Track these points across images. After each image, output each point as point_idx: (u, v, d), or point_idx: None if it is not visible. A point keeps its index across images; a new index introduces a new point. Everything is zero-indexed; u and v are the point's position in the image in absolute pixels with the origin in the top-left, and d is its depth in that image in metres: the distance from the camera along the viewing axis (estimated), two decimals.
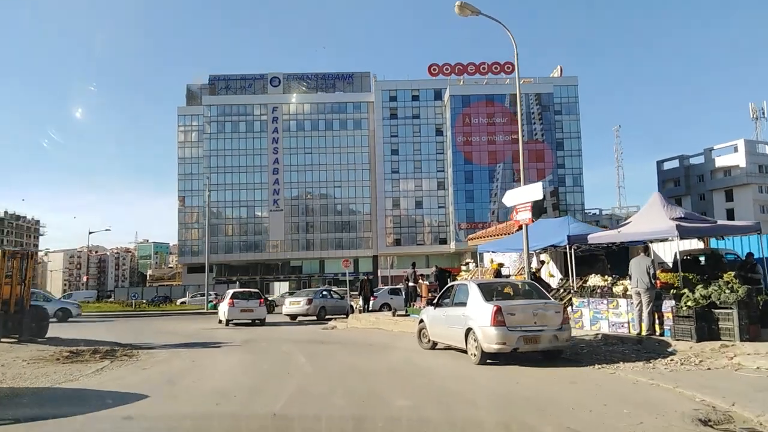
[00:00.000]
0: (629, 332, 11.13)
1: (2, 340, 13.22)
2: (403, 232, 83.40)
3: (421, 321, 11.75)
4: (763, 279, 11.96)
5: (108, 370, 9.39)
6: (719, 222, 12.22)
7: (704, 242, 13.73)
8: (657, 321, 10.62)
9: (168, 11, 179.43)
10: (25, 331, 13.63)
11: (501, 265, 17.56)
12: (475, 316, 9.31)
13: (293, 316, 24.87)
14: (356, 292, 25.77)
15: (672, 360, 8.69)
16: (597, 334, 11.63)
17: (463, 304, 9.93)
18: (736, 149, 74.54)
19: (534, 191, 12.50)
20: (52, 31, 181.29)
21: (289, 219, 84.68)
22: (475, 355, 9.20)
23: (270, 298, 38.11)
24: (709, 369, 7.93)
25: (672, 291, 10.59)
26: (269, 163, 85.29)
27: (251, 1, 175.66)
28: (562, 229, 14.52)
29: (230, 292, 22.88)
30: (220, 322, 22.01)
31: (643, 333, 10.63)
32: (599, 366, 8.63)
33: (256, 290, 26.37)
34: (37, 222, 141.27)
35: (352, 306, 25.94)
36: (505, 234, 19.91)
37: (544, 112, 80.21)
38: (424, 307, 14.73)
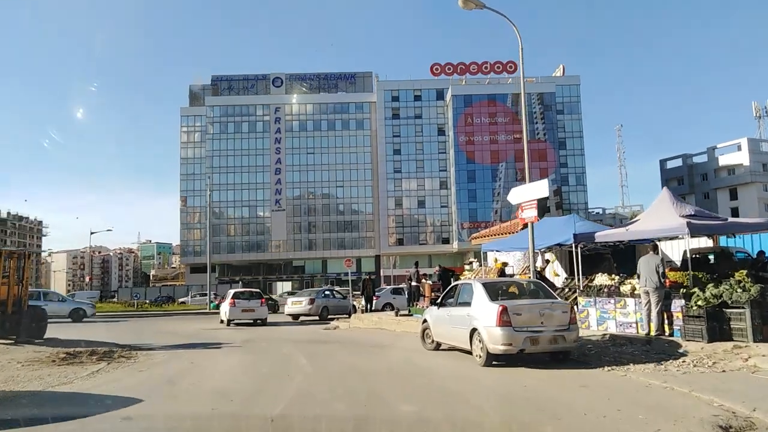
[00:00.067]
0: (637, 332, 10.87)
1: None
2: (406, 232, 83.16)
3: (425, 321, 11.50)
4: None
5: (104, 373, 9.17)
6: (730, 219, 11.94)
7: (713, 240, 13.46)
8: (666, 321, 10.38)
9: (168, 11, 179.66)
10: (23, 332, 13.43)
11: (505, 264, 17.30)
12: (480, 316, 9.07)
13: (295, 316, 24.66)
14: (359, 292, 25.56)
15: (684, 361, 8.42)
16: (604, 334, 11.38)
17: (468, 303, 9.68)
18: (739, 148, 74.13)
19: (540, 188, 12.23)
20: (52, 31, 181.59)
21: (292, 219, 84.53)
22: (480, 356, 8.95)
23: (274, 298, 37.98)
24: (723, 371, 7.65)
25: (681, 290, 10.33)
26: (272, 163, 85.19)
27: (252, 1, 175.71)
28: (567, 228, 14.25)
29: (231, 292, 22.68)
30: (222, 322, 21.83)
31: (652, 333, 10.38)
32: (609, 368, 8.36)
33: (258, 290, 26.18)
34: (40, 222, 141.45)
35: (354, 306, 25.73)
36: (509, 233, 19.64)
37: (547, 112, 79.96)
38: (427, 306, 14.49)
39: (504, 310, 8.63)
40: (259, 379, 8.57)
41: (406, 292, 22.57)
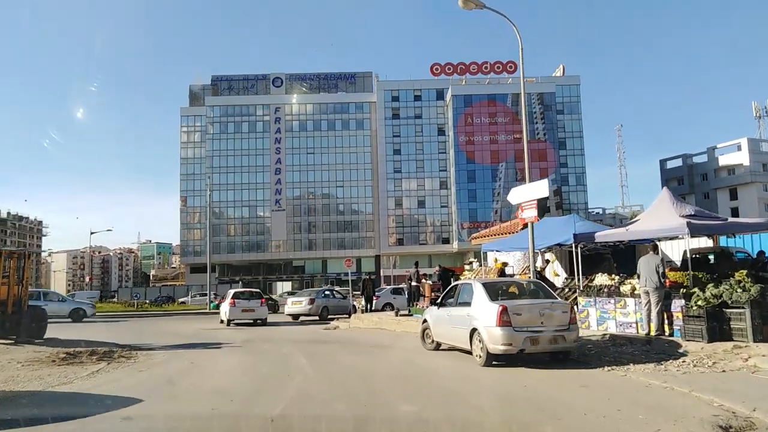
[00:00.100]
0: (637, 332, 10.87)
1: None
2: (406, 232, 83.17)
3: (425, 321, 11.50)
4: None
5: (104, 373, 9.16)
6: (730, 219, 11.94)
7: (713, 240, 13.46)
8: (666, 321, 10.38)
9: (168, 11, 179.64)
10: (23, 332, 13.42)
11: (505, 264, 17.30)
12: (480, 316, 9.06)
13: (295, 316, 24.65)
14: (359, 292, 25.56)
15: (684, 361, 8.42)
16: (604, 334, 11.38)
17: (468, 303, 9.67)
18: (739, 148, 74.13)
19: (540, 188, 12.23)
20: (52, 31, 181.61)
21: (292, 219, 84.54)
22: (480, 356, 8.95)
23: (274, 298, 37.98)
24: (723, 371, 7.65)
25: (681, 290, 10.33)
26: (272, 163, 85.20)
27: (252, 1, 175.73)
28: (567, 228, 14.25)
29: (231, 292, 22.68)
30: (222, 322, 21.82)
31: (652, 333, 10.38)
32: (609, 368, 8.36)
33: (258, 290, 26.17)
34: (40, 223, 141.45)
35: (354, 306, 25.72)
36: (509, 233, 19.64)
37: (547, 112, 79.98)
38: (427, 306, 14.49)
39: (504, 310, 8.63)
40: (259, 379, 8.56)
41: (406, 292, 22.57)
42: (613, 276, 12.34)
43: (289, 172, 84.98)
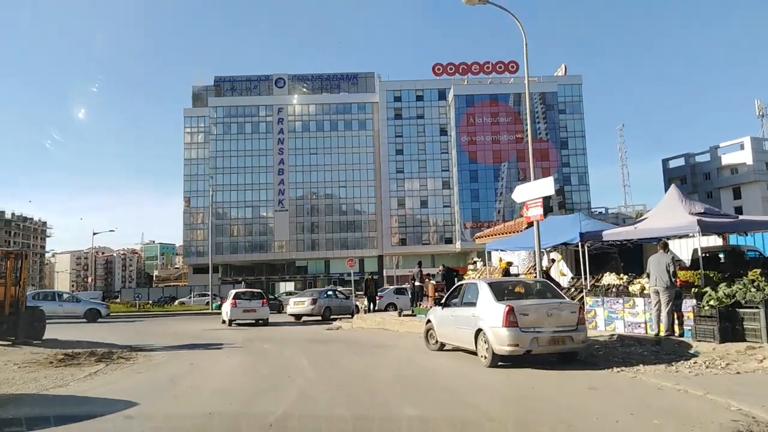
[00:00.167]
0: (646, 333, 10.64)
1: None
2: (409, 232, 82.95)
3: (429, 321, 11.28)
4: None
5: (101, 375, 8.96)
6: (741, 217, 11.68)
7: (723, 239, 13.21)
8: (676, 321, 10.13)
9: (169, 11, 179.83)
10: (21, 333, 13.21)
11: (510, 263, 17.09)
12: (486, 316, 8.84)
13: (298, 317, 24.47)
14: (361, 292, 25.37)
15: (696, 362, 8.18)
16: (612, 334, 11.15)
17: (473, 304, 9.45)
18: (742, 147, 73.70)
19: (545, 186, 12.00)
20: (52, 31, 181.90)
21: (294, 219, 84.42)
22: (485, 357, 8.73)
23: (279, 298, 37.83)
24: (738, 373, 7.41)
25: (693, 290, 10.09)
26: (274, 164, 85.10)
27: (254, 2, 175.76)
28: (573, 227, 14.02)
29: (233, 292, 22.50)
30: (224, 322, 21.64)
31: (662, 334, 10.14)
32: (618, 369, 8.13)
33: (259, 290, 25.99)
34: (44, 223, 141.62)
35: (357, 306, 25.52)
36: (513, 232, 19.41)
37: (549, 111, 79.69)
38: (431, 307, 14.27)
39: (510, 311, 8.41)
40: (260, 381, 8.36)
41: (409, 292, 22.36)
42: (621, 275, 12.11)
43: (292, 172, 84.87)
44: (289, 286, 77.16)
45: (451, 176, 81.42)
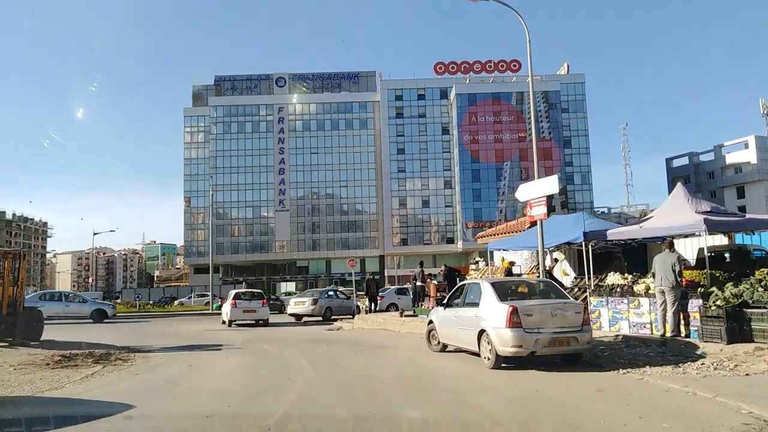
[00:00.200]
0: (652, 333, 10.48)
1: None
2: (410, 232, 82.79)
3: (431, 322, 11.13)
4: None
5: (98, 376, 8.82)
6: (748, 216, 11.51)
7: (729, 238, 13.03)
8: (682, 321, 9.96)
9: (168, 11, 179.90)
10: (18, 334, 13.08)
11: (512, 263, 16.93)
12: (489, 317, 8.69)
13: (298, 317, 24.32)
14: (362, 292, 25.22)
15: (703, 364, 8.01)
16: (617, 335, 10.99)
17: (476, 304, 9.30)
18: (746, 146, 73.52)
19: (549, 185, 11.82)
20: (52, 31, 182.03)
21: (295, 219, 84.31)
22: (488, 359, 8.57)
23: (280, 298, 37.69)
24: (747, 374, 7.24)
25: (699, 289, 9.92)
26: (275, 164, 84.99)
27: (254, 1, 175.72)
28: (577, 226, 13.84)
29: (233, 292, 22.38)
30: (224, 323, 21.53)
31: (668, 334, 9.98)
32: (624, 370, 7.96)
33: (259, 290, 25.87)
34: (45, 224, 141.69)
35: (358, 306, 25.38)
36: (516, 231, 19.23)
37: (551, 110, 79.41)
38: (433, 307, 14.12)
39: (514, 311, 8.25)
40: (259, 382, 8.24)
41: (410, 293, 22.21)
42: (625, 275, 11.94)
43: (292, 172, 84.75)
44: (290, 286, 77.05)
45: (453, 176, 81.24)
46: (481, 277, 17.90)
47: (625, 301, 11.19)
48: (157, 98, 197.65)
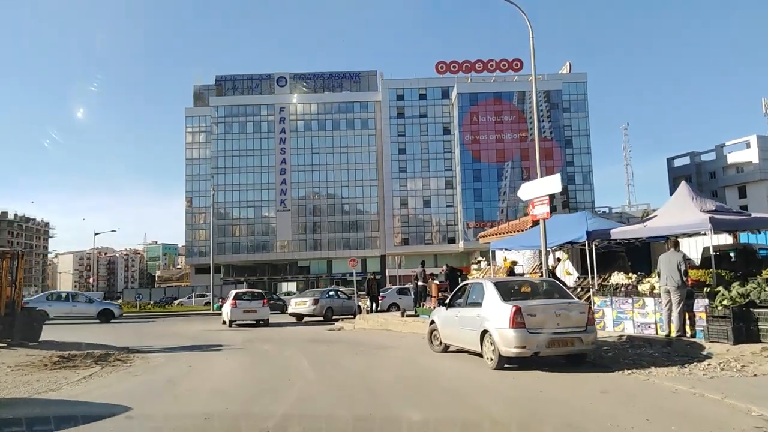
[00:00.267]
0: (657, 333, 10.35)
1: None
2: (411, 232, 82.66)
3: (432, 322, 11.01)
4: None
5: (96, 378, 8.71)
6: (754, 214, 11.37)
7: (733, 237, 12.89)
8: (688, 321, 9.83)
9: (168, 11, 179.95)
10: (17, 335, 12.98)
11: (514, 263, 16.79)
12: (492, 317, 8.57)
13: (299, 317, 24.21)
14: (364, 292, 25.10)
15: (710, 364, 7.88)
16: (621, 335, 10.86)
17: (478, 304, 9.18)
18: (748, 145, 73.26)
19: (552, 183, 11.70)
20: (52, 31, 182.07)
21: (297, 219, 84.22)
22: (491, 360, 8.45)
23: (282, 298, 37.58)
24: (755, 375, 7.11)
25: (705, 289, 9.79)
26: (276, 164, 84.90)
27: (255, 1, 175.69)
28: (580, 225, 13.74)
29: (233, 292, 22.28)
30: (224, 323, 21.44)
31: (673, 334, 9.85)
32: (629, 371, 7.84)
33: (260, 291, 25.77)
34: (47, 224, 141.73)
35: (359, 306, 25.26)
36: (518, 231, 19.11)
37: (553, 110, 79.22)
38: (434, 307, 14.00)
39: (517, 311, 8.13)
40: (259, 383, 8.13)
41: (412, 292, 22.08)
42: (629, 274, 11.80)
43: (294, 172, 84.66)
44: (292, 286, 77.00)
45: (454, 175, 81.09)
46: (483, 276, 17.78)
47: (630, 300, 11.07)
48: (158, 98, 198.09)
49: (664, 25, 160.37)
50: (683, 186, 11.81)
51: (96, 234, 56.68)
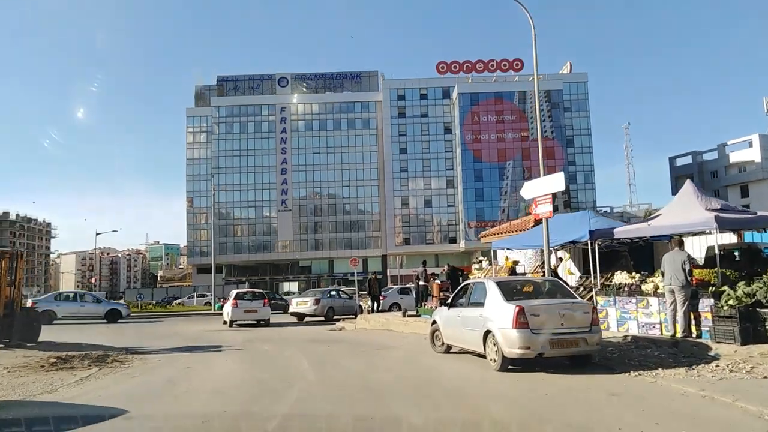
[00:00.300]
0: (662, 334, 10.20)
1: None
2: (412, 232, 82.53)
3: (434, 322, 10.87)
4: None
5: (93, 379, 8.60)
6: (760, 213, 11.23)
7: (738, 236, 12.74)
8: (693, 321, 9.68)
9: (170, 11, 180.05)
10: (15, 335, 12.87)
11: (516, 262, 16.65)
12: (495, 317, 8.43)
13: (300, 317, 24.10)
14: (365, 292, 24.98)
15: (718, 366, 7.74)
16: (626, 335, 10.71)
17: (481, 304, 9.04)
18: (750, 144, 72.92)
19: (555, 182, 11.57)
20: (52, 31, 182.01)
21: (298, 219, 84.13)
22: (495, 361, 8.31)
23: (284, 298, 37.45)
24: (765, 377, 6.96)
25: (710, 289, 9.64)
26: (278, 164, 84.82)
27: (255, 1, 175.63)
28: (582, 224, 13.56)
29: (234, 292, 22.16)
30: (225, 323, 21.33)
31: (678, 335, 9.69)
32: (635, 373, 7.69)
33: (260, 290, 25.66)
34: (49, 224, 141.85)
35: (361, 306, 25.14)
36: (520, 230, 18.96)
37: (554, 109, 79.06)
38: (436, 307, 13.86)
39: (521, 311, 7.99)
40: (259, 385, 8.01)
41: (413, 292, 21.95)
42: (633, 274, 11.65)
43: (295, 172, 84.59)
44: (293, 286, 76.88)
45: (456, 175, 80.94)
46: (484, 276, 17.64)
47: (634, 300, 10.92)
48: (159, 98, 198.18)
49: (665, 25, 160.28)
50: (688, 184, 11.65)
51: (97, 234, 56.58)
